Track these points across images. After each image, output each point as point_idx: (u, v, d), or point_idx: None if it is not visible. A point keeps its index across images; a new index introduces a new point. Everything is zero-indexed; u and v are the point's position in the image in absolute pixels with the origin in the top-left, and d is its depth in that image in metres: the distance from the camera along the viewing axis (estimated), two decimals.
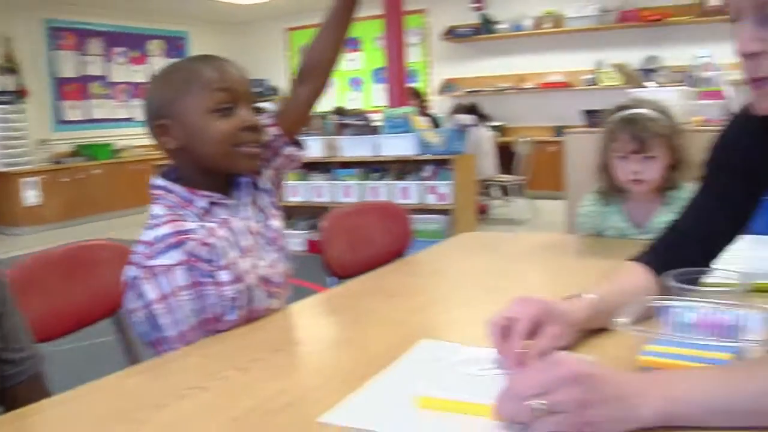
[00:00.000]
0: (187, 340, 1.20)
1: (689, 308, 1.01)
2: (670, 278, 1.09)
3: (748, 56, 0.92)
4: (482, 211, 7.23)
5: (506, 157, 7.63)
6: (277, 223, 1.41)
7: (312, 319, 1.38)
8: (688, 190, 1.87)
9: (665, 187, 1.88)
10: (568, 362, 0.77)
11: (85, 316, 1.49)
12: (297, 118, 1.48)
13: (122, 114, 9.53)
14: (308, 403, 0.90)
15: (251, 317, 1.28)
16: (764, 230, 1.61)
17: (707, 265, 1.19)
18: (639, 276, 1.18)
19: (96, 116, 9.26)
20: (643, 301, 1.04)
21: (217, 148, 1.25)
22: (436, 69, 9.79)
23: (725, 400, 0.74)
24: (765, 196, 1.20)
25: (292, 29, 10.61)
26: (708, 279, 1.12)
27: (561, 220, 6.47)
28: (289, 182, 5.46)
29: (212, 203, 1.28)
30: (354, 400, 0.88)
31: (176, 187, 1.26)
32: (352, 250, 1.87)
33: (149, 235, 1.22)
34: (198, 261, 1.21)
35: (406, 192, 4.99)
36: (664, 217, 1.87)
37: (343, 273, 1.78)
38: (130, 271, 1.21)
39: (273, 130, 1.42)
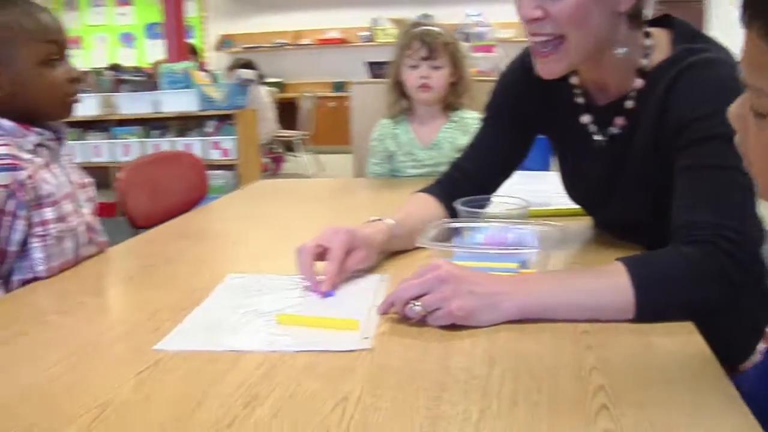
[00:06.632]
0: None
1: (479, 229, 1.19)
2: (460, 204, 1.26)
3: (531, 21, 1.07)
4: (277, 165, 7.30)
5: (287, 113, 7.71)
6: (88, 178, 1.43)
7: (127, 263, 1.39)
8: (469, 114, 2.12)
9: (449, 105, 2.13)
10: (441, 266, 0.91)
11: None
12: None
13: None
14: (140, 334, 0.94)
15: (77, 261, 1.30)
16: (536, 166, 1.87)
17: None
18: (429, 204, 1.35)
19: None
20: (440, 223, 1.20)
21: (47, 98, 1.27)
22: (212, 24, 9.56)
23: (567, 298, 0.91)
24: (536, 137, 1.40)
25: None
26: (490, 207, 1.30)
27: (346, 173, 6.73)
28: None
29: (38, 145, 1.26)
30: (183, 328, 0.94)
31: (5, 121, 1.22)
32: (152, 200, 1.87)
33: None
34: (22, 192, 1.19)
35: (190, 148, 4.89)
36: (447, 134, 2.11)
37: (145, 223, 1.78)
38: None
39: None
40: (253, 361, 0.82)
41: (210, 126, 5.01)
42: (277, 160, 7.50)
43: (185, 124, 5.09)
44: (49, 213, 1.24)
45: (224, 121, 4.95)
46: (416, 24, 2.16)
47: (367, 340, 0.87)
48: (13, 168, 1.19)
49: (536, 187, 1.49)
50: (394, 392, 0.73)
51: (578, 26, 1.05)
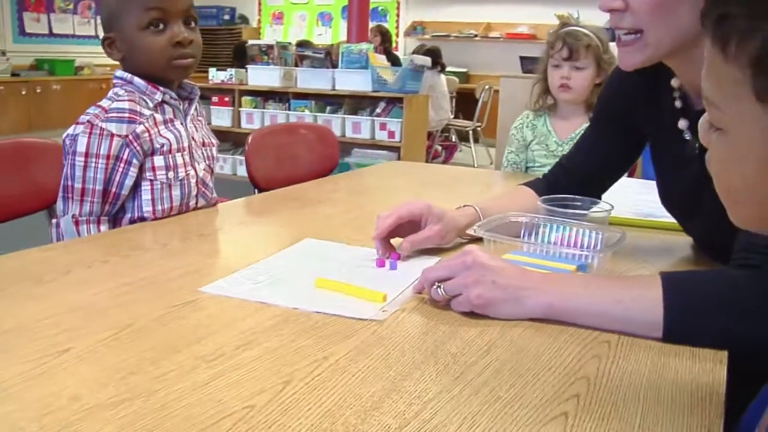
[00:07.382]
0: (90, 201, 1.34)
1: (554, 228, 1.17)
2: (543, 201, 1.24)
3: (611, 11, 1.03)
4: (450, 154, 7.38)
5: (468, 104, 7.74)
6: (214, 139, 1.57)
7: (226, 217, 1.50)
8: None
9: (591, 105, 2.07)
10: (470, 253, 0.91)
11: (20, 207, 1.59)
12: None
13: (86, 31, 9.38)
14: (198, 276, 1.04)
15: (183, 209, 1.44)
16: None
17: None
18: (525, 198, 1.34)
19: (59, 31, 9.11)
20: (505, 216, 1.20)
21: (150, 59, 1.38)
22: (406, 10, 9.78)
23: (594, 303, 0.86)
24: (647, 143, 1.34)
25: None
26: (586, 209, 1.26)
27: None
28: (245, 109, 5.52)
29: (164, 102, 1.41)
30: (232, 277, 1.02)
31: (137, 79, 1.39)
32: (277, 167, 1.99)
33: (107, 104, 1.35)
34: (137, 143, 1.34)
35: (358, 126, 5.09)
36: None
37: (267, 187, 1.91)
38: (76, 129, 1.33)
39: None
40: (271, 313, 0.88)
41: (380, 107, 5.16)
42: (451, 149, 7.55)
43: (359, 103, 5.28)
44: (159, 161, 1.38)
45: (394, 103, 5.08)
46: (564, 24, 2.16)
47: (384, 313, 0.90)
48: (132, 121, 1.34)
49: (650, 197, 1.43)
50: (371, 362, 0.75)
51: (659, 19, 0.99)
